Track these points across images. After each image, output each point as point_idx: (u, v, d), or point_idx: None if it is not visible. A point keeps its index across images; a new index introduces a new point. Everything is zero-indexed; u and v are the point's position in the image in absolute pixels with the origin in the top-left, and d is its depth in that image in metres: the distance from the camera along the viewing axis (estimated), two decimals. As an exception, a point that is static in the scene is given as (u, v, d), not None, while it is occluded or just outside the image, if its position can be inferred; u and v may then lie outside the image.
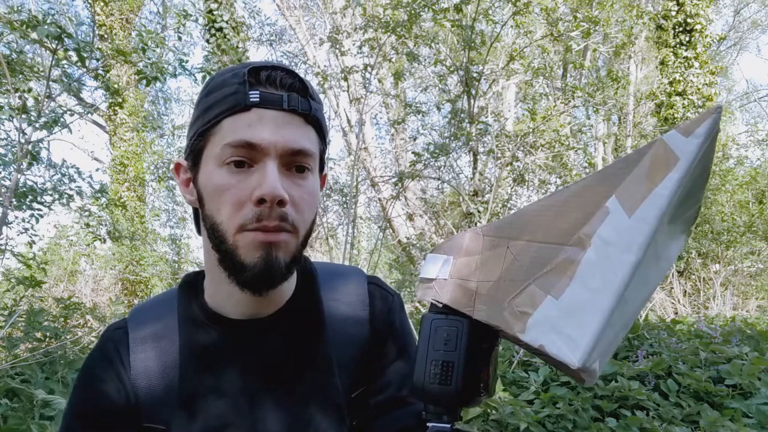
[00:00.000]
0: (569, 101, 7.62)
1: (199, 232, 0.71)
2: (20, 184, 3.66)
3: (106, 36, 9.13)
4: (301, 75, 0.66)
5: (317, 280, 0.78)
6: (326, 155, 0.73)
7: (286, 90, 0.64)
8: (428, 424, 0.57)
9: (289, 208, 0.63)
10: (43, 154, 4.08)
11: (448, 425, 0.57)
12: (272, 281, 0.65)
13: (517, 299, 0.52)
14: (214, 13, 7.81)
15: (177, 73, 4.49)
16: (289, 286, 0.75)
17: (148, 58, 4.00)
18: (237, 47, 7.93)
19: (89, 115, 7.57)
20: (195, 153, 0.67)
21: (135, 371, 0.70)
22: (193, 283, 0.76)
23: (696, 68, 9.38)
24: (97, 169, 8.35)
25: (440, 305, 0.59)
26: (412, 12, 5.85)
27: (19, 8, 3.51)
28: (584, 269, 0.49)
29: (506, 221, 0.58)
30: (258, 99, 0.62)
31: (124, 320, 0.75)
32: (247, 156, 0.62)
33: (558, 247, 0.51)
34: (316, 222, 0.73)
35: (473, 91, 6.55)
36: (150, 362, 0.70)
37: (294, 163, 0.64)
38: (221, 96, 0.64)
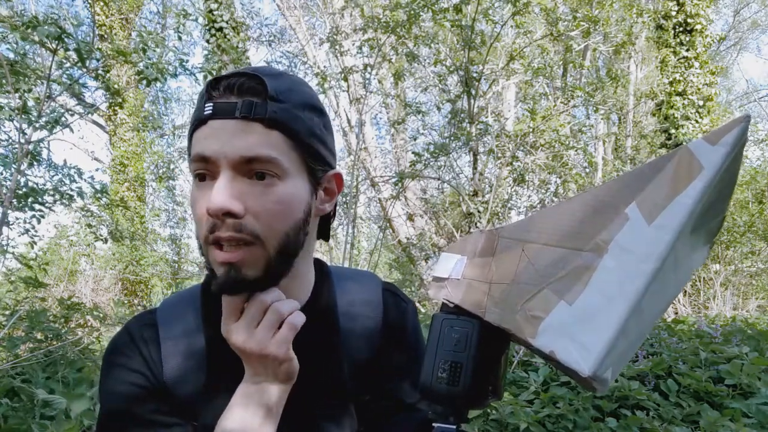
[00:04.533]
0: (569, 101, 7.61)
1: None
2: (21, 185, 3.65)
3: (106, 36, 9.12)
4: (300, 75, 0.64)
5: (333, 284, 0.79)
6: (319, 153, 0.67)
7: (244, 96, 0.62)
8: (434, 424, 0.57)
9: (248, 218, 0.61)
10: (44, 154, 4.08)
11: (454, 426, 0.57)
12: (239, 293, 0.64)
13: (530, 303, 0.51)
14: (214, 13, 7.81)
15: (177, 73, 4.48)
16: (305, 289, 0.75)
17: (149, 59, 3.99)
18: (237, 47, 7.92)
19: (89, 115, 7.56)
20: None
21: (168, 372, 0.70)
22: None
23: (696, 68, 9.37)
24: (97, 169, 8.32)
25: (452, 305, 0.59)
26: (412, 12, 5.84)
27: (22, 12, 3.51)
28: (600, 276, 0.47)
29: (523, 223, 0.57)
30: (211, 111, 0.62)
31: (152, 318, 0.74)
32: (206, 169, 0.62)
33: (574, 252, 0.50)
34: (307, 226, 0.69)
35: (473, 91, 6.54)
36: (180, 362, 0.70)
37: (253, 171, 0.62)
38: (193, 112, 0.66)
